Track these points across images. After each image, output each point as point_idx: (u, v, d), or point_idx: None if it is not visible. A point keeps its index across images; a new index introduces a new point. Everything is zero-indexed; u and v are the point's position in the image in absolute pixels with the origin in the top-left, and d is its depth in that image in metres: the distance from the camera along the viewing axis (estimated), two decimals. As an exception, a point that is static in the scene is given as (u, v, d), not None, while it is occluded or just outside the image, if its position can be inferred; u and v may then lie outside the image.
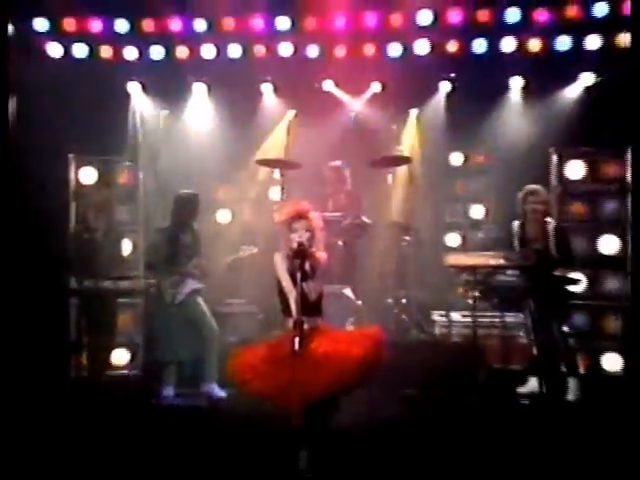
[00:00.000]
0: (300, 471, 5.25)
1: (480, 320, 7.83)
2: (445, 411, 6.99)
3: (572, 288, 7.41)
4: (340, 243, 8.10)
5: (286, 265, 5.48)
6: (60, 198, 8.60)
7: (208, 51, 9.57)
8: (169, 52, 9.59)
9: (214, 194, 9.60)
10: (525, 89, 9.34)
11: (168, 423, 6.85)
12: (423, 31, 9.29)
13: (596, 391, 7.43)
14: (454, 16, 9.24)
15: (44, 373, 7.68)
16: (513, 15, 9.13)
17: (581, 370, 7.66)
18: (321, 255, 5.52)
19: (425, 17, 9.25)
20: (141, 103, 9.65)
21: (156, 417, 7.15)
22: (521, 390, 7.50)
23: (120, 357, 8.55)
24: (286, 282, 5.44)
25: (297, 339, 5.12)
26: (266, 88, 9.72)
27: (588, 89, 9.13)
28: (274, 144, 9.42)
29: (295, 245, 5.39)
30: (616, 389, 7.66)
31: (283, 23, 9.42)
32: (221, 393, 7.54)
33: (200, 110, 9.72)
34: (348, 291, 7.85)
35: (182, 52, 9.59)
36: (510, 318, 7.84)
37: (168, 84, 9.62)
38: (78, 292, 7.85)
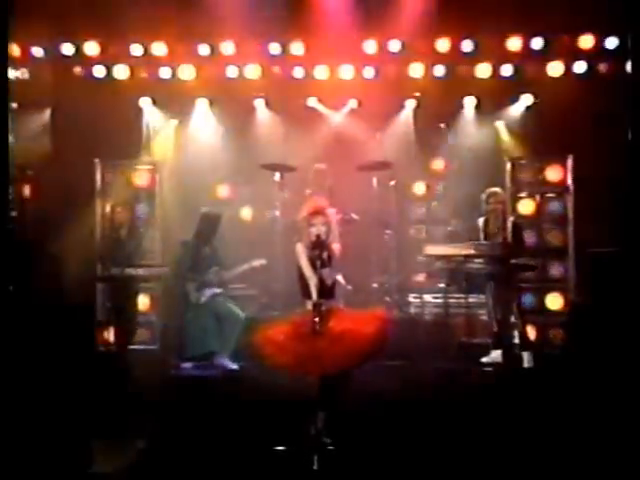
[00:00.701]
0: (312, 436, 5.03)
1: (448, 301, 7.60)
2: (423, 378, 6.79)
3: (527, 273, 7.25)
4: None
5: (306, 254, 5.22)
6: (87, 197, 8.17)
7: (208, 71, 9.18)
8: (175, 72, 9.19)
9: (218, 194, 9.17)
10: (477, 107, 9.16)
11: (188, 391, 6.54)
12: (393, 56, 9.03)
13: (544, 360, 7.25)
14: (419, 45, 9.00)
15: (75, 348, 7.25)
16: (467, 45, 8.92)
17: (532, 342, 7.46)
18: (336, 246, 5.31)
19: (395, 45, 8.99)
20: (152, 115, 9.21)
21: (177, 386, 6.80)
22: (485, 360, 7.34)
23: (140, 334, 8.11)
24: (307, 269, 5.19)
25: (317, 319, 4.94)
26: (259, 103, 9.36)
27: (528, 108, 8.94)
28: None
29: (314, 238, 5.16)
30: (561, 358, 7.54)
31: (274, 48, 9.08)
32: (234, 365, 7.24)
33: (203, 121, 9.33)
34: (340, 277, 7.56)
35: (187, 72, 9.19)
36: (473, 299, 7.67)
37: (175, 99, 9.20)
38: (106, 279, 7.46)
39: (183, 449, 5.29)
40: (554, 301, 8.05)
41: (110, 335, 7.60)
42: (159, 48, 9.10)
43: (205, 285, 7.36)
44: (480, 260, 7.03)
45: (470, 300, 7.58)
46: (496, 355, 7.30)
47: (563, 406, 5.77)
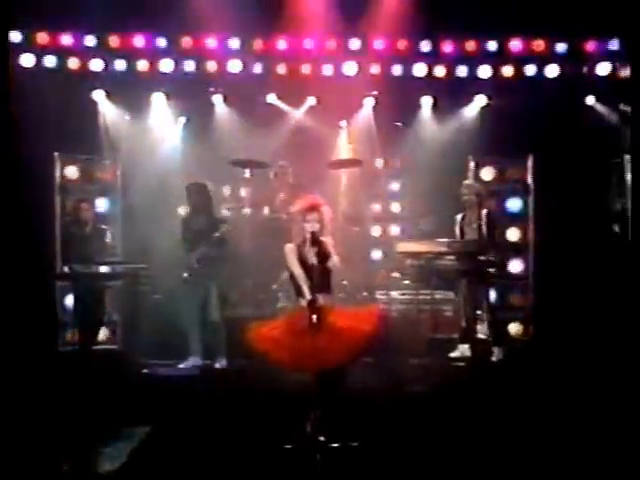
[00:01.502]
0: (308, 433, 5.04)
1: (414, 297, 7.72)
2: (398, 373, 6.88)
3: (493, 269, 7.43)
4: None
5: (296, 254, 5.26)
6: (46, 192, 7.88)
7: (166, 65, 9.03)
8: (131, 65, 9.00)
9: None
10: (434, 106, 9.32)
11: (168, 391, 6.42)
12: (352, 55, 9.11)
13: (509, 354, 7.47)
14: (378, 44, 9.11)
15: (35, 347, 7.01)
16: (425, 46, 9.08)
17: (502, 336, 7.66)
18: (330, 242, 5.37)
19: (354, 44, 9.06)
20: (107, 109, 8.98)
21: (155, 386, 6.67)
22: (453, 355, 7.49)
23: (101, 333, 7.90)
24: (297, 270, 5.26)
25: (314, 316, 5.00)
26: (217, 99, 9.26)
27: (483, 108, 9.17)
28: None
29: (309, 234, 5.21)
30: (523, 351, 7.81)
31: (233, 43, 9.01)
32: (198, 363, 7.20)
33: (160, 116, 9.15)
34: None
35: (143, 65, 9.02)
36: (438, 295, 7.78)
37: (130, 93, 9.01)
38: (69, 276, 7.22)
39: (171, 451, 5.22)
40: (515, 296, 8.29)
41: (73, 335, 7.43)
42: (114, 40, 8.94)
43: (192, 261, 7.18)
44: (452, 257, 7.17)
45: (437, 297, 7.73)
46: (464, 349, 7.46)
47: (536, 396, 6.02)
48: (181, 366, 7.19)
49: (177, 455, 5.11)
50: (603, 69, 8.88)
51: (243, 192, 8.81)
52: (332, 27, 8.93)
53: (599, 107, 8.76)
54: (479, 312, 7.52)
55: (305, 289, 5.15)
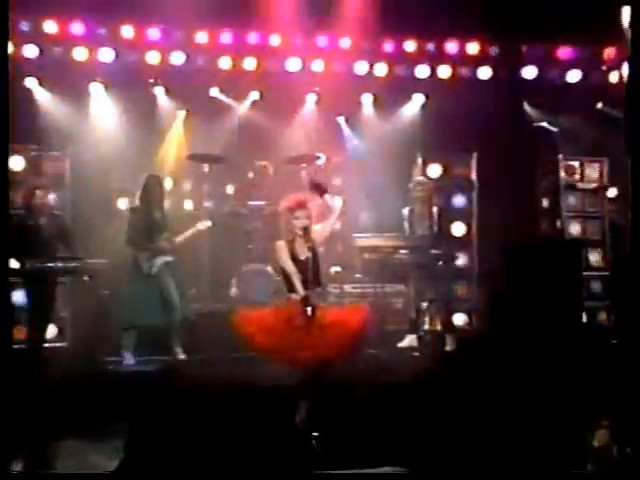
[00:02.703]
0: (298, 426, 5.10)
1: (365, 291, 7.97)
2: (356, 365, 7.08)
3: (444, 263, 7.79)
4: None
5: (288, 250, 5.36)
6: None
7: (105, 54, 8.85)
8: (68, 52, 8.77)
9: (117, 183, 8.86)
10: (374, 104, 9.57)
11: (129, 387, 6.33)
12: (297, 50, 9.25)
13: (460, 343, 7.83)
14: (322, 40, 9.30)
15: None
16: (367, 43, 9.34)
17: (450, 327, 8.00)
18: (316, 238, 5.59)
19: (298, 39, 9.20)
20: (42, 97, 8.71)
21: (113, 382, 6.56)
22: (401, 345, 7.75)
23: (49, 331, 7.66)
24: (290, 266, 5.44)
25: (309, 309, 5.18)
26: (159, 91, 9.16)
27: (423, 107, 9.53)
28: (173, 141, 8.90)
29: (300, 231, 5.46)
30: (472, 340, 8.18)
31: (177, 35, 8.96)
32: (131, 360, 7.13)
33: (99, 107, 8.96)
34: (269, 269, 7.71)
35: (81, 53, 8.81)
36: (388, 289, 8.03)
37: (67, 82, 8.78)
38: (20, 272, 6.97)
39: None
40: (460, 289, 8.70)
41: (22, 332, 7.19)
42: (50, 26, 8.68)
43: (157, 253, 7.12)
44: (406, 251, 7.46)
45: (387, 290, 8.00)
46: (411, 340, 7.72)
47: (491, 384, 6.39)
48: (124, 362, 7.12)
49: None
50: (531, 72, 9.49)
51: (188, 186, 8.77)
52: (277, 22, 9.07)
53: (529, 109, 9.30)
54: (425, 304, 7.91)
55: (298, 285, 5.32)
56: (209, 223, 7.38)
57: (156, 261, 7.11)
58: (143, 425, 5.42)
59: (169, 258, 7.21)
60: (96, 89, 8.95)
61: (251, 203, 8.02)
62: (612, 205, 9.10)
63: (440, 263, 7.74)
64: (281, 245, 5.44)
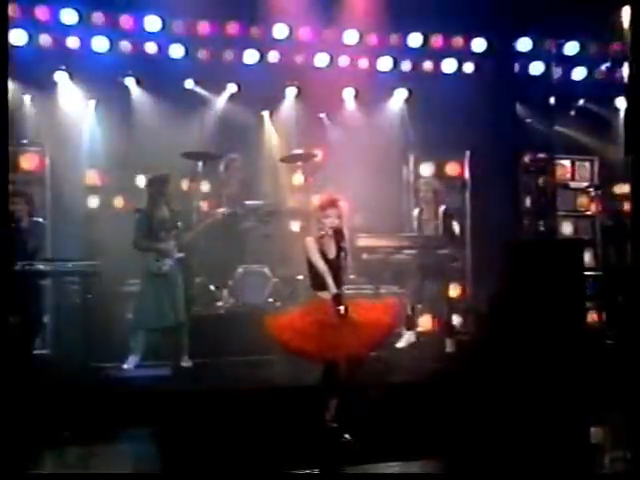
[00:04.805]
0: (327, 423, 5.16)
1: (361, 291, 7.77)
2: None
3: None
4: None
5: (317, 247, 5.30)
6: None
7: (73, 42, 8.42)
8: (33, 39, 8.30)
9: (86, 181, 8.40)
10: (356, 98, 9.37)
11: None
12: (276, 43, 8.98)
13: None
14: (304, 33, 9.06)
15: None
16: (350, 37, 9.15)
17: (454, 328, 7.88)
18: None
19: (279, 31, 8.94)
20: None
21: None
22: (399, 345, 7.57)
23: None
24: (320, 263, 5.28)
25: (342, 307, 5.13)
26: (130, 82, 8.75)
27: (407, 102, 9.39)
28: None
29: (330, 230, 5.31)
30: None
31: (152, 23, 8.57)
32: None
33: (67, 97, 8.50)
34: (266, 270, 7.43)
35: (46, 40, 8.35)
36: (383, 290, 7.86)
37: (32, 70, 8.26)
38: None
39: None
40: (454, 289, 8.60)
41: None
42: (12, 9, 8.14)
43: (165, 254, 6.82)
44: (410, 251, 7.31)
45: (381, 291, 7.81)
46: (409, 336, 7.54)
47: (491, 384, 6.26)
48: (125, 366, 6.79)
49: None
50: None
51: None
52: (256, 14, 8.80)
53: (518, 106, 9.30)
54: (419, 306, 7.79)
55: (330, 282, 5.20)
56: (225, 210, 7.22)
57: (166, 260, 6.82)
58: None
59: (180, 255, 6.94)
60: (61, 78, 8.50)
61: (248, 203, 7.76)
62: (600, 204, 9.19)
63: (449, 264, 7.64)
64: (311, 241, 5.28)
